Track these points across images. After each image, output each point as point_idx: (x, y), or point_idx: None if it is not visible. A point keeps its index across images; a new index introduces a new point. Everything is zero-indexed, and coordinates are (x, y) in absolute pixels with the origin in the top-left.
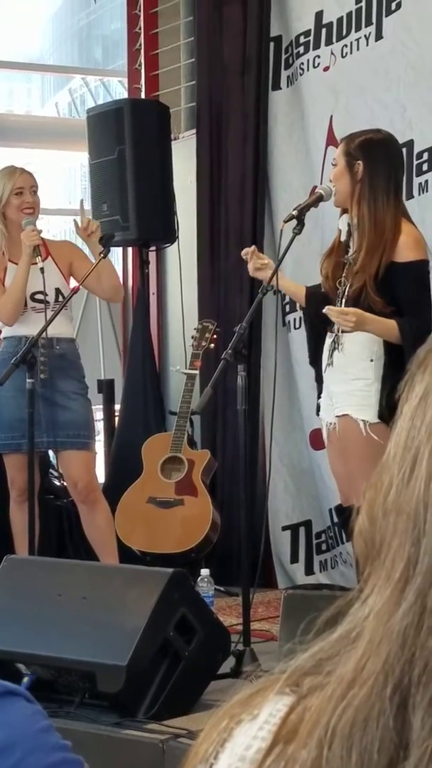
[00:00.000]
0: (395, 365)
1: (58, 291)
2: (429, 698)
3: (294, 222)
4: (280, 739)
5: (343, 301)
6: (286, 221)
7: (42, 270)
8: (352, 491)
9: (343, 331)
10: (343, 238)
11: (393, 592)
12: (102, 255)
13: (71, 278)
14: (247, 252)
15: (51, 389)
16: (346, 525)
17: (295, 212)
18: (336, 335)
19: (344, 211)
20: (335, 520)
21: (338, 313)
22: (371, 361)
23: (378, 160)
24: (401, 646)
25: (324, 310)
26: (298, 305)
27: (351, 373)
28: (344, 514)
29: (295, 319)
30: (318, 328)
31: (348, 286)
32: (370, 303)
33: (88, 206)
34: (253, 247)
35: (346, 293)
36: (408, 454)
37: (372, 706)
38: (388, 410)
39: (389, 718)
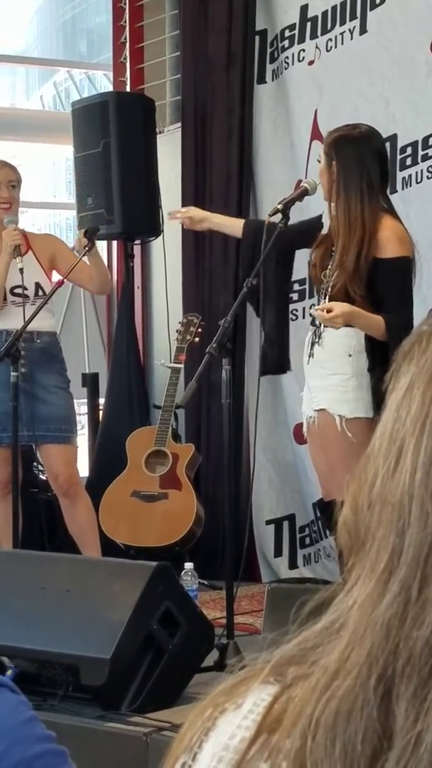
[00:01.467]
0: (379, 359)
1: (38, 285)
2: (413, 689)
3: (279, 216)
4: (264, 728)
5: (327, 295)
6: (271, 215)
7: (21, 270)
8: (333, 485)
9: (325, 326)
10: (324, 230)
11: (377, 583)
12: (87, 248)
13: (54, 272)
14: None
15: (31, 383)
16: (328, 519)
17: (280, 206)
18: (316, 329)
19: None
20: (318, 514)
21: (324, 318)
22: (349, 356)
23: (349, 160)
24: (385, 636)
25: (311, 312)
26: None
27: (329, 368)
28: (325, 509)
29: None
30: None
31: (331, 282)
32: (352, 301)
33: (73, 199)
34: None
35: (330, 288)
36: (393, 446)
37: (356, 697)
38: (376, 404)
39: (373, 708)
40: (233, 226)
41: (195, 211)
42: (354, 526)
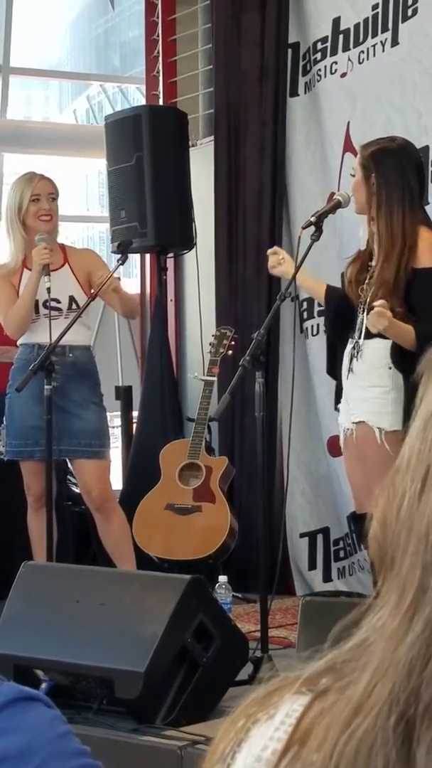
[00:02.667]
0: (410, 371)
1: (72, 298)
2: None
3: (312, 228)
4: (295, 741)
5: (365, 308)
6: (304, 228)
7: (48, 290)
8: (368, 498)
9: (365, 338)
10: (362, 245)
11: (403, 619)
12: (120, 262)
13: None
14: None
15: (63, 397)
16: (361, 532)
17: (313, 219)
18: (356, 342)
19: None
20: (352, 527)
21: (377, 315)
22: (389, 368)
23: (390, 171)
24: (407, 676)
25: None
26: (315, 312)
27: (369, 380)
28: (359, 522)
29: (312, 326)
30: (338, 329)
31: (370, 295)
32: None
33: (106, 212)
34: (274, 248)
35: (368, 302)
36: (421, 467)
37: (375, 738)
38: (406, 417)
39: (392, 749)
40: (316, 289)
41: (284, 255)
42: (382, 541)
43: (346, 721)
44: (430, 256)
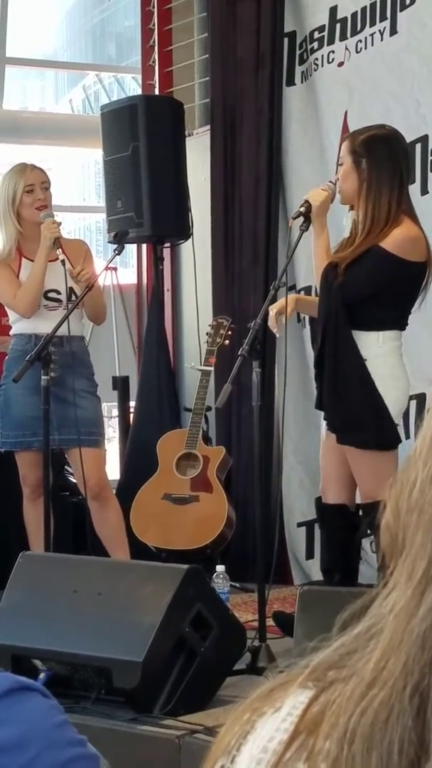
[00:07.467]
0: None
1: (71, 290)
2: None
3: (301, 219)
4: (302, 729)
5: None
6: (294, 218)
7: (63, 262)
8: (340, 490)
9: None
10: (346, 234)
11: (414, 592)
12: (116, 252)
13: None
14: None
15: (62, 387)
16: (322, 518)
17: (303, 209)
18: None
19: (352, 207)
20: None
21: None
22: (364, 360)
23: (382, 156)
24: (421, 648)
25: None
26: None
27: None
28: (321, 510)
29: (308, 316)
30: None
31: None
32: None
33: (102, 202)
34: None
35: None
36: None
37: (392, 708)
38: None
39: (408, 719)
40: (314, 304)
41: (280, 306)
42: (395, 529)
43: (360, 696)
44: (392, 243)
